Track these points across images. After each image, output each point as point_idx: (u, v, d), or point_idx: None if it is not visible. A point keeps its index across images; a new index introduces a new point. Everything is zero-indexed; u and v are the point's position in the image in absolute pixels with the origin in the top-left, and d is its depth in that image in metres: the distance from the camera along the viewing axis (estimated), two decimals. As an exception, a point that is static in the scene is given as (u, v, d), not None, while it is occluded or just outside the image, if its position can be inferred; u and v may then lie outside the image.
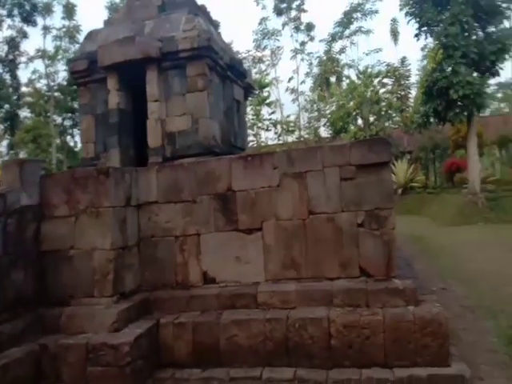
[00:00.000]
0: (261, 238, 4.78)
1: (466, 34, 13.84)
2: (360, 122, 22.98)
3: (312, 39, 36.64)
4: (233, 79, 8.55)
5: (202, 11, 8.70)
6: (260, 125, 26.02)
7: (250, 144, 25.29)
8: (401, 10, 15.67)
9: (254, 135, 26.47)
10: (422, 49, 19.08)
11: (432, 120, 15.46)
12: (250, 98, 25.59)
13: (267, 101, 25.98)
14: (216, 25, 10.26)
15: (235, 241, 4.86)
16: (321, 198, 4.60)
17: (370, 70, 23.34)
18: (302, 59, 36.23)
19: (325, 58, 30.07)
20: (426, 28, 14.84)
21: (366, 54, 30.77)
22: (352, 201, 4.52)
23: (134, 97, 7.59)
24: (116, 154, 7.67)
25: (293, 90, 36.70)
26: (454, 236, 12.87)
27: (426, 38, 15.18)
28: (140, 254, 5.14)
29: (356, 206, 4.51)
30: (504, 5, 14.35)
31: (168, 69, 7.42)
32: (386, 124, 22.55)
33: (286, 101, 49.72)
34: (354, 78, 23.79)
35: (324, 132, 25.99)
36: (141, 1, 8.53)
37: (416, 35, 15.18)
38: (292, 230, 4.69)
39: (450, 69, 13.60)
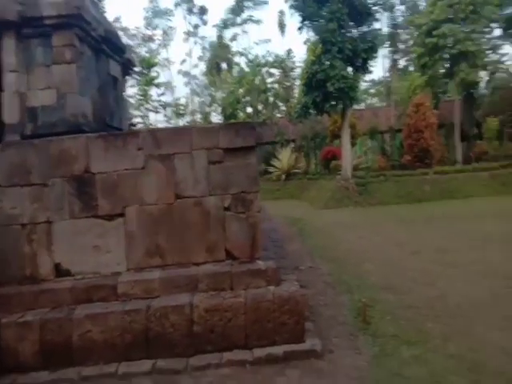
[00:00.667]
0: (123, 225, 4.46)
1: (343, 31, 14.87)
2: (250, 109, 23.40)
3: (205, 23, 36.15)
4: (108, 53, 7.90)
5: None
6: (148, 106, 24.85)
7: (139, 126, 24.04)
8: (286, 2, 16.16)
9: (142, 117, 25.24)
10: (305, 42, 20.05)
11: (312, 111, 16.33)
12: (137, 77, 24.19)
13: (156, 81, 24.86)
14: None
15: (94, 228, 4.46)
16: (188, 182, 4.45)
17: (258, 59, 23.81)
18: (196, 42, 35.59)
19: (216, 43, 29.84)
20: (308, 22, 15.55)
21: (257, 44, 31.34)
22: (219, 184, 4.45)
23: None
24: None
25: (186, 73, 35.90)
26: (327, 218, 13.91)
27: (308, 31, 15.96)
28: (-23, 245, 4.43)
29: (223, 189, 4.45)
30: (374, 7, 15.74)
31: (30, 37, 6.57)
32: (273, 113, 23.33)
33: (179, 83, 48.56)
34: (244, 65, 24.08)
35: (215, 117, 25.96)
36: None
37: (299, 28, 15.84)
38: (158, 214, 4.46)
39: (327, 63, 14.48)
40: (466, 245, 8.41)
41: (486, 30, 20.14)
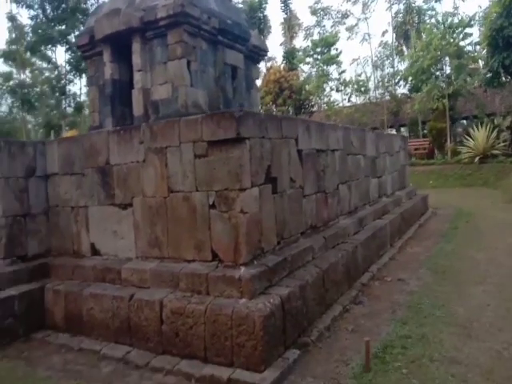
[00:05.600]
0: (132, 214, 4.69)
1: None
2: (440, 77, 20.02)
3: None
4: (226, 43, 8.22)
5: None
6: (331, 85, 24.32)
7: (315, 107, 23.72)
8: None
9: (322, 96, 24.85)
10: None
11: (504, 77, 12.76)
12: (317, 57, 23.88)
13: (337, 59, 23.92)
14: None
15: (113, 215, 4.85)
16: (178, 176, 4.30)
17: (450, 19, 19.92)
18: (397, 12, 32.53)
19: (405, 8, 26.45)
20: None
21: (463, 1, 26.18)
22: (204, 180, 4.13)
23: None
24: (109, 124, 8.16)
25: (386, 45, 33.50)
26: (506, 216, 10.83)
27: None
28: (48, 221, 5.44)
29: (208, 185, 4.11)
30: None
31: (152, 38, 7.54)
32: (468, 80, 19.17)
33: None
34: (434, 29, 20.53)
35: (401, 90, 23.34)
36: (139, -29, 8.58)
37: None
38: (156, 207, 4.49)
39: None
40: None
41: None
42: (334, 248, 5.60)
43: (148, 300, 4.11)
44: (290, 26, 31.28)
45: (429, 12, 29.70)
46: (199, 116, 4.16)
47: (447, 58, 19.45)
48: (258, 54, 9.54)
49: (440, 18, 22.10)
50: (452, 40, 18.68)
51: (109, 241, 4.92)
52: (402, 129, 26.37)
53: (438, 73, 19.95)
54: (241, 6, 28.25)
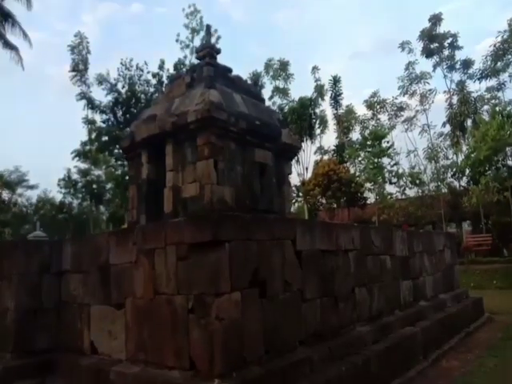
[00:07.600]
0: (124, 315, 4.73)
1: None
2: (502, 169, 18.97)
3: (471, 77, 32.58)
4: (255, 143, 8.68)
5: (230, 81, 9.31)
6: (383, 177, 23.94)
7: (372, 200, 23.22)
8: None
9: (375, 189, 24.46)
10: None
11: None
12: (369, 150, 24.04)
13: (388, 151, 23.90)
14: (251, 91, 10.41)
15: (109, 314, 4.92)
16: (163, 278, 4.34)
17: (509, 108, 19.30)
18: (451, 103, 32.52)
19: (461, 98, 26.26)
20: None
21: (526, 89, 25.66)
22: (185, 283, 4.13)
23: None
24: (143, 220, 8.70)
25: (445, 135, 33.06)
26: None
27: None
28: (59, 316, 5.64)
29: (188, 289, 4.09)
30: None
31: (184, 140, 8.23)
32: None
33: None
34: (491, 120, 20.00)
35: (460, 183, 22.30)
36: (178, 80, 9.78)
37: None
38: (143, 309, 4.51)
39: None
40: None
41: None
42: (342, 360, 5.09)
43: (121, 410, 3.94)
44: (341, 121, 32.53)
45: (492, 101, 29.21)
46: (182, 219, 4.30)
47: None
48: (289, 151, 9.85)
49: (497, 108, 21.66)
50: (510, 130, 17.93)
51: (105, 340, 4.94)
52: (465, 223, 24.75)
53: (499, 164, 18.96)
54: (293, 104, 30.32)
